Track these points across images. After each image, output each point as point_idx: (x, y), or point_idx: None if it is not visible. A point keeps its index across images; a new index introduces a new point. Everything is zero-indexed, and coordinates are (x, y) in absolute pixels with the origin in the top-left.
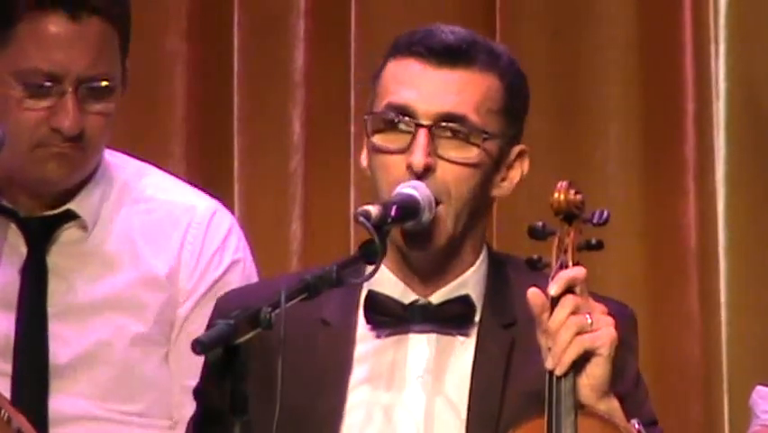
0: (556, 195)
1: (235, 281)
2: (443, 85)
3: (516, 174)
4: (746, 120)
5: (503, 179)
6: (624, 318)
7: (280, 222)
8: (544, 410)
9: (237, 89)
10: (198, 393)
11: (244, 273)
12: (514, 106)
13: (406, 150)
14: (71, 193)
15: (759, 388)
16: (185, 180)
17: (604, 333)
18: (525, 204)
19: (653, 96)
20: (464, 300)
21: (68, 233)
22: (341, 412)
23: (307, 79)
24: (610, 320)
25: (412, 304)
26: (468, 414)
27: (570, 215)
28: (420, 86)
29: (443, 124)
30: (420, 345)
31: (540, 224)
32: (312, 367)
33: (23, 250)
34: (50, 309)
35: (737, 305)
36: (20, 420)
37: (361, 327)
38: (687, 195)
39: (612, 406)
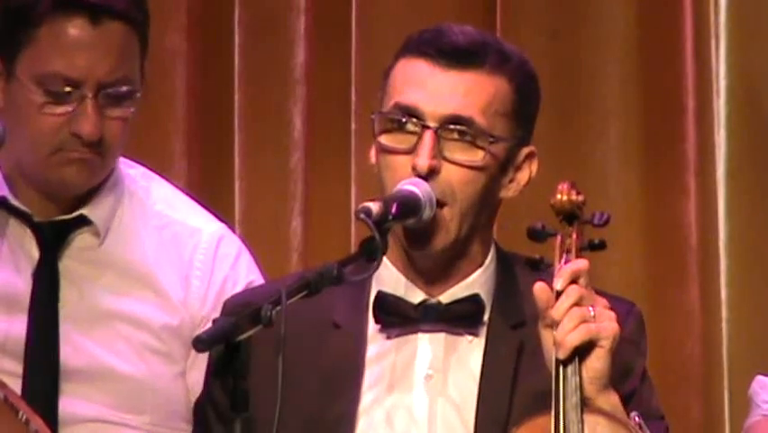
0: (559, 196)
1: None
2: (451, 87)
3: (524, 176)
4: (747, 117)
5: (511, 181)
6: (631, 316)
7: (281, 219)
8: (551, 406)
9: (237, 86)
10: (199, 406)
11: None
12: (523, 108)
13: (412, 151)
14: (84, 198)
15: (759, 378)
16: (186, 179)
17: (607, 325)
18: (526, 204)
19: (653, 94)
20: (474, 300)
21: (81, 238)
22: (354, 415)
23: (308, 76)
24: (612, 315)
25: (421, 303)
26: (476, 415)
27: (572, 215)
28: (428, 87)
29: (450, 126)
30: (429, 344)
31: (539, 225)
32: (325, 371)
33: (36, 254)
34: (62, 313)
35: (738, 302)
36: (37, 423)
37: (371, 328)
38: (687, 193)
39: (612, 400)
